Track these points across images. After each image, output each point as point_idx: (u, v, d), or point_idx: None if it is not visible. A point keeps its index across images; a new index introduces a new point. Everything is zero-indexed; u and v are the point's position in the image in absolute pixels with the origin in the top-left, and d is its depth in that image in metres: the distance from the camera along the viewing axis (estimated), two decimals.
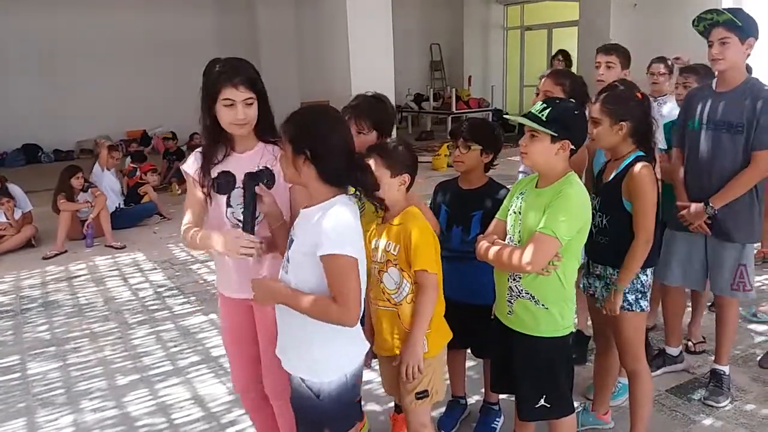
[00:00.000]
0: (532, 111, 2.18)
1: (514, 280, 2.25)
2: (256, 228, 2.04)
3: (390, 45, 10.69)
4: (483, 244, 2.29)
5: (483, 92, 15.44)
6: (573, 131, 2.16)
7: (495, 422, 2.85)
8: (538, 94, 3.02)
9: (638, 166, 2.39)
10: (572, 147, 2.16)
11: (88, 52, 12.03)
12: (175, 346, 3.99)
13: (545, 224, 2.10)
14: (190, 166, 2.24)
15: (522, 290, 2.23)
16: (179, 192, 8.69)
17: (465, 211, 2.61)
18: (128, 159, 8.39)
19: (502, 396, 2.87)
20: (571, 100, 2.43)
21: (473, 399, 3.09)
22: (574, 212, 2.12)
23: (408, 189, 2.27)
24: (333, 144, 1.86)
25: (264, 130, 2.21)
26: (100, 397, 3.39)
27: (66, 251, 6.13)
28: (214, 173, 2.17)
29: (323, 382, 1.92)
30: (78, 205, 6.40)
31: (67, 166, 6.72)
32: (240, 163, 2.16)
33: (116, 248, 6.18)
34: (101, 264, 5.78)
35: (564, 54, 8.36)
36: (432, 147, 11.88)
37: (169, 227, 7.03)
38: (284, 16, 12.98)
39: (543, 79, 3.03)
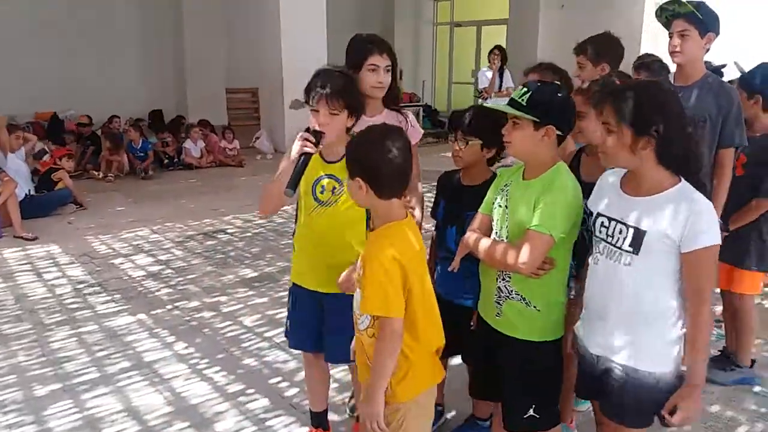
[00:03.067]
0: (513, 96, 2.02)
1: (504, 279, 2.09)
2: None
3: (323, 29, 10.39)
4: (471, 235, 2.13)
5: (414, 87, 15.36)
6: (557, 116, 2.00)
7: None
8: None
9: None
10: (559, 133, 2.02)
11: None
12: (101, 350, 3.58)
13: (539, 221, 1.94)
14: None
15: (512, 291, 2.07)
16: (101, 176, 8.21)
17: (460, 208, 2.41)
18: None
19: None
20: (556, 82, 2.28)
21: (454, 411, 2.92)
22: (567, 206, 1.98)
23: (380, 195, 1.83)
24: (680, 124, 1.77)
25: (390, 99, 2.60)
26: (15, 410, 2.96)
27: None
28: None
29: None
30: None
31: None
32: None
33: (27, 239, 5.58)
34: (10, 257, 5.19)
35: (500, 48, 8.43)
36: None
37: (87, 217, 6.46)
38: None
39: (529, 74, 2.88)
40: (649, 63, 3.82)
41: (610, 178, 1.95)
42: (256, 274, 4.88)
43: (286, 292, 4.38)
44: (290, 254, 5.33)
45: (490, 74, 8.21)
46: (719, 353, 3.31)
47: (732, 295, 3.18)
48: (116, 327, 3.89)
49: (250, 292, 4.50)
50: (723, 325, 3.44)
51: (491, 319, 2.16)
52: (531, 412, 2.11)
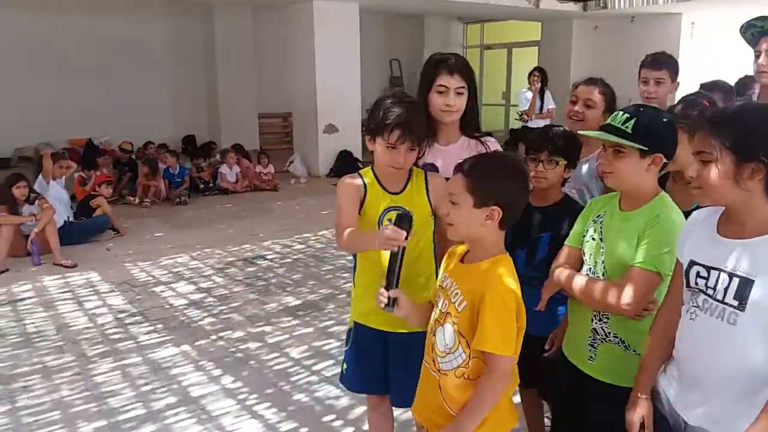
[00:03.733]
0: (612, 123, 1.85)
1: (600, 321, 1.91)
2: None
3: (357, 60, 10.39)
4: (563, 272, 1.95)
5: None
6: (665, 142, 1.84)
7: None
8: (575, 102, 2.66)
9: None
10: (665, 161, 1.85)
11: (26, 53, 11.16)
12: (146, 384, 3.45)
13: (645, 258, 1.76)
14: None
15: (610, 333, 1.89)
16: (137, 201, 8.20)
17: (533, 231, 2.26)
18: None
19: None
20: (655, 106, 2.11)
21: None
22: (675, 242, 1.79)
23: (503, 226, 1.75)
24: None
25: (469, 125, 2.35)
26: None
27: (7, 270, 5.42)
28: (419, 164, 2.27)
29: None
30: (20, 218, 5.72)
31: (9, 174, 6.02)
32: (442, 155, 2.28)
33: (66, 267, 5.52)
34: (50, 285, 5.12)
35: (540, 70, 8.28)
36: None
37: (125, 243, 6.40)
38: (243, 24, 12.44)
39: (580, 87, 2.69)
40: (717, 83, 3.61)
41: (701, 218, 1.64)
42: (299, 302, 4.74)
43: (331, 322, 4.33)
44: (333, 281, 5.23)
45: (530, 95, 8.06)
46: None
47: None
48: (160, 359, 3.76)
49: (295, 322, 4.35)
50: None
51: (582, 363, 1.97)
52: None
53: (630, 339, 1.86)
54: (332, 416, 3.12)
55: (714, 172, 1.48)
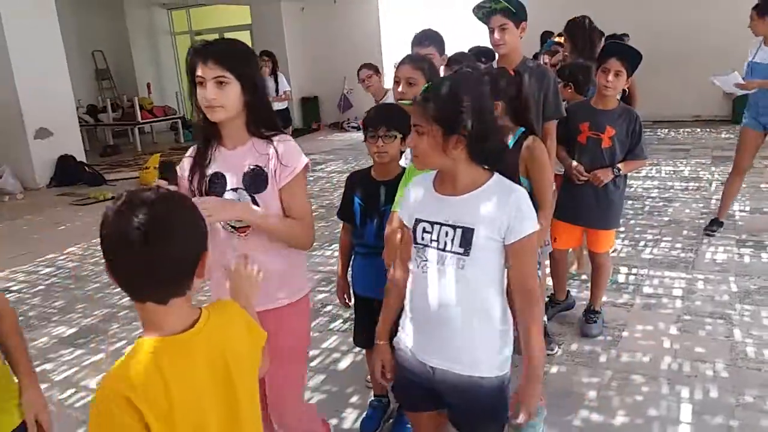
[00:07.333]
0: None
1: None
2: None
3: (61, 51, 9.33)
4: (406, 234, 2.18)
5: (162, 100, 14.54)
6: None
7: None
8: (398, 82, 2.71)
9: (530, 140, 2.53)
10: None
11: None
12: None
13: None
14: (183, 167, 2.05)
15: None
16: None
17: (380, 204, 2.44)
18: None
19: None
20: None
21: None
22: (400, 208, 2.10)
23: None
24: (490, 119, 1.71)
25: (255, 123, 1.97)
26: None
27: None
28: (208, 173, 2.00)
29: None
30: None
31: None
32: (229, 161, 1.97)
33: None
34: None
35: (268, 54, 8.41)
36: (126, 162, 10.79)
37: None
38: None
39: (400, 66, 2.74)
40: (457, 58, 4.08)
41: (419, 182, 1.86)
42: (74, 329, 4.26)
43: (123, 342, 4.02)
44: (105, 299, 4.85)
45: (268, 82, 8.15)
46: (585, 311, 3.64)
47: (598, 255, 3.53)
48: None
49: (79, 351, 3.93)
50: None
51: None
52: None
53: None
54: None
55: (425, 143, 1.68)
